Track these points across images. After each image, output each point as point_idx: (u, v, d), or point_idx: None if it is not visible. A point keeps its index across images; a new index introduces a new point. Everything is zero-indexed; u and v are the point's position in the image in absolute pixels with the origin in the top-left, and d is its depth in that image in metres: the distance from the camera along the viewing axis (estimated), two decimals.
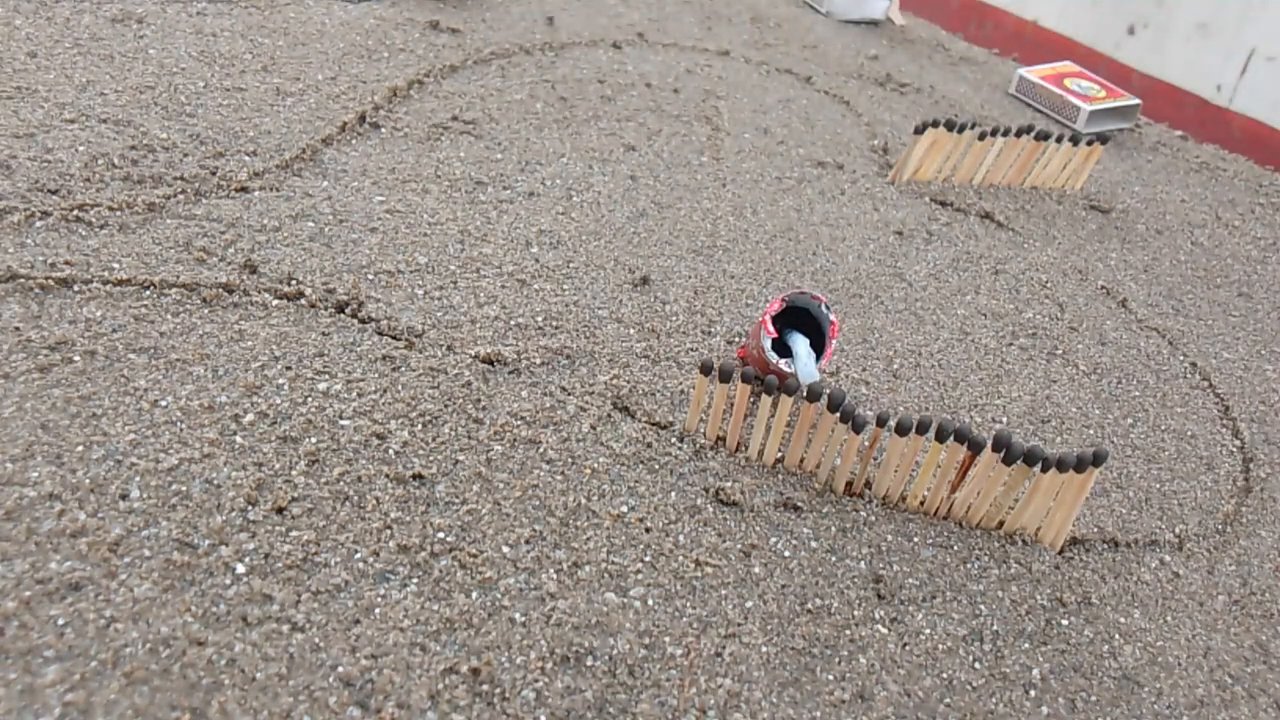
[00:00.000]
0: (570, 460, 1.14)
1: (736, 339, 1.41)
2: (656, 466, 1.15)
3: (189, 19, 1.93)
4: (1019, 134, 1.97)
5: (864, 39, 2.80)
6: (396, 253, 1.42)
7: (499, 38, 2.17)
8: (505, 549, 1.01)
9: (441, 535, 1.01)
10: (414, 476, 1.07)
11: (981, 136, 1.95)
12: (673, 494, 1.12)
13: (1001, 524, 1.17)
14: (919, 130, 1.90)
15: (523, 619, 0.94)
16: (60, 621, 0.85)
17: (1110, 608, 1.13)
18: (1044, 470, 1.09)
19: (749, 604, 1.01)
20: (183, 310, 1.23)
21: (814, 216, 1.78)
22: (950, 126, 1.89)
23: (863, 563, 1.09)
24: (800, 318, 1.29)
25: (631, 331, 1.37)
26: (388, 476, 1.06)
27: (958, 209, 1.93)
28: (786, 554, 1.08)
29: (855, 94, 2.36)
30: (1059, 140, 2.01)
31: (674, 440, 1.20)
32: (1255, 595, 1.20)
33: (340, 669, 0.86)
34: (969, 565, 1.12)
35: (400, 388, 1.18)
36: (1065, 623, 1.09)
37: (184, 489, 0.99)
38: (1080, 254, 1.88)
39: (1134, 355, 1.61)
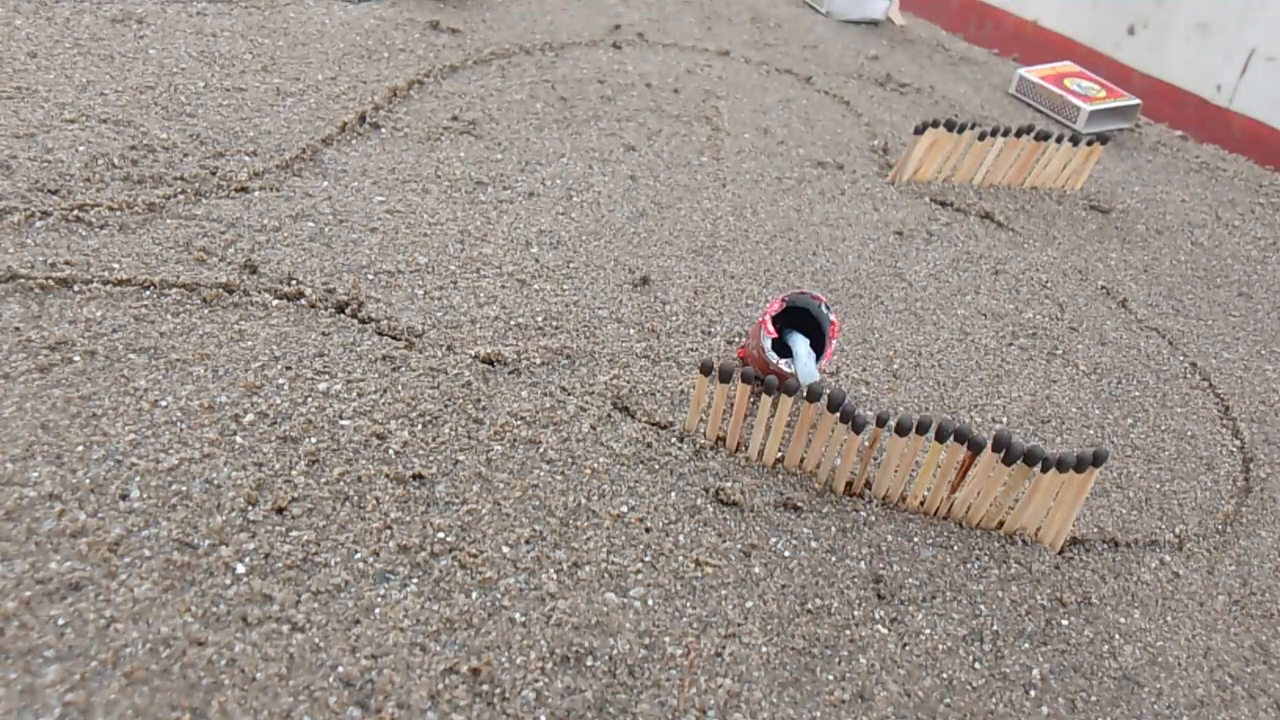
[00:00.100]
0: (570, 460, 1.14)
1: (736, 339, 1.41)
2: (656, 466, 1.15)
3: (189, 19, 1.93)
4: (1019, 134, 1.97)
5: (864, 39, 2.80)
6: (396, 253, 1.42)
7: (499, 38, 2.17)
8: (505, 549, 1.01)
9: (441, 535, 1.01)
10: (414, 476, 1.07)
11: (981, 136, 1.95)
12: (673, 494, 1.12)
13: (1001, 524, 1.17)
14: (919, 130, 1.90)
15: (523, 619, 0.94)
16: (60, 621, 0.85)
17: (1110, 608, 1.13)
18: (1044, 470, 1.09)
19: (749, 604, 1.01)
20: (183, 310, 1.23)
21: (814, 216, 1.78)
22: (950, 126, 1.89)
23: (863, 563, 1.09)
24: (800, 318, 1.29)
25: (631, 331, 1.37)
26: (388, 476, 1.06)
27: (958, 209, 1.93)
28: (786, 554, 1.08)
29: (855, 94, 2.36)
30: (1059, 140, 2.01)
31: (674, 440, 1.20)
32: (1255, 595, 1.20)
33: (340, 669, 0.86)
34: (969, 565, 1.12)
35: (400, 388, 1.18)
36: (1065, 623, 1.09)
37: (184, 489, 0.99)
38: (1080, 254, 1.88)
39: (1134, 355, 1.61)
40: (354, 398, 1.15)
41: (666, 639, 0.96)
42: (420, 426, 1.13)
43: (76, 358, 1.11)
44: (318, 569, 0.95)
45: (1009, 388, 1.45)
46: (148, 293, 1.24)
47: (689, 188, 1.78)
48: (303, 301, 1.28)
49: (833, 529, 1.13)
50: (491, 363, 1.25)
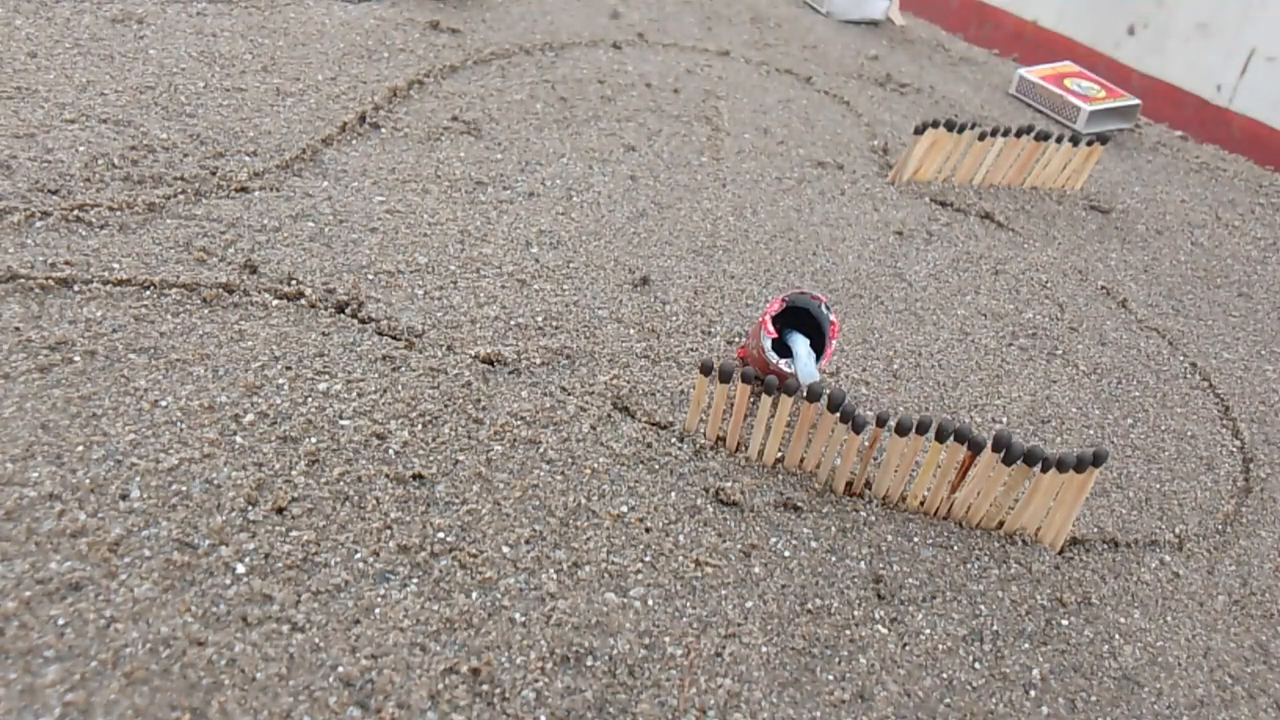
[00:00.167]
0: (570, 460, 1.14)
1: (736, 339, 1.41)
2: (656, 466, 1.15)
3: (189, 19, 1.93)
4: (1019, 134, 1.97)
5: (864, 39, 2.80)
6: (396, 253, 1.42)
7: (499, 38, 2.17)
8: (505, 549, 1.01)
9: (441, 535, 1.01)
10: (414, 476, 1.07)
11: (981, 137, 1.95)
12: (673, 494, 1.12)
13: (1001, 524, 1.17)
14: (919, 130, 1.90)
15: (523, 619, 0.94)
16: (60, 621, 0.85)
17: (1110, 608, 1.13)
18: (1044, 470, 1.09)
19: (749, 604, 1.01)
20: (183, 310, 1.23)
21: (814, 216, 1.78)
22: (950, 126, 1.89)
23: (863, 563, 1.09)
24: (800, 318, 1.29)
25: (631, 331, 1.37)
26: (388, 476, 1.06)
27: (958, 209, 1.93)
28: (786, 554, 1.08)
29: (855, 94, 2.36)
30: (1059, 140, 2.01)
31: (674, 440, 1.20)
32: (1255, 595, 1.20)
33: (340, 669, 0.86)
34: (969, 565, 1.12)
35: (400, 388, 1.18)
36: (1065, 623, 1.09)
37: (184, 489, 0.99)
38: (1080, 254, 1.88)
39: (1134, 355, 1.61)
40: (354, 398, 1.15)
41: (666, 639, 0.96)
42: (420, 426, 1.13)
43: (76, 358, 1.11)
44: (318, 569, 0.95)
45: (1009, 388, 1.45)
46: (148, 293, 1.24)
47: (689, 188, 1.78)
48: (303, 301, 1.28)
49: (833, 529, 1.13)
50: (491, 363, 1.25)
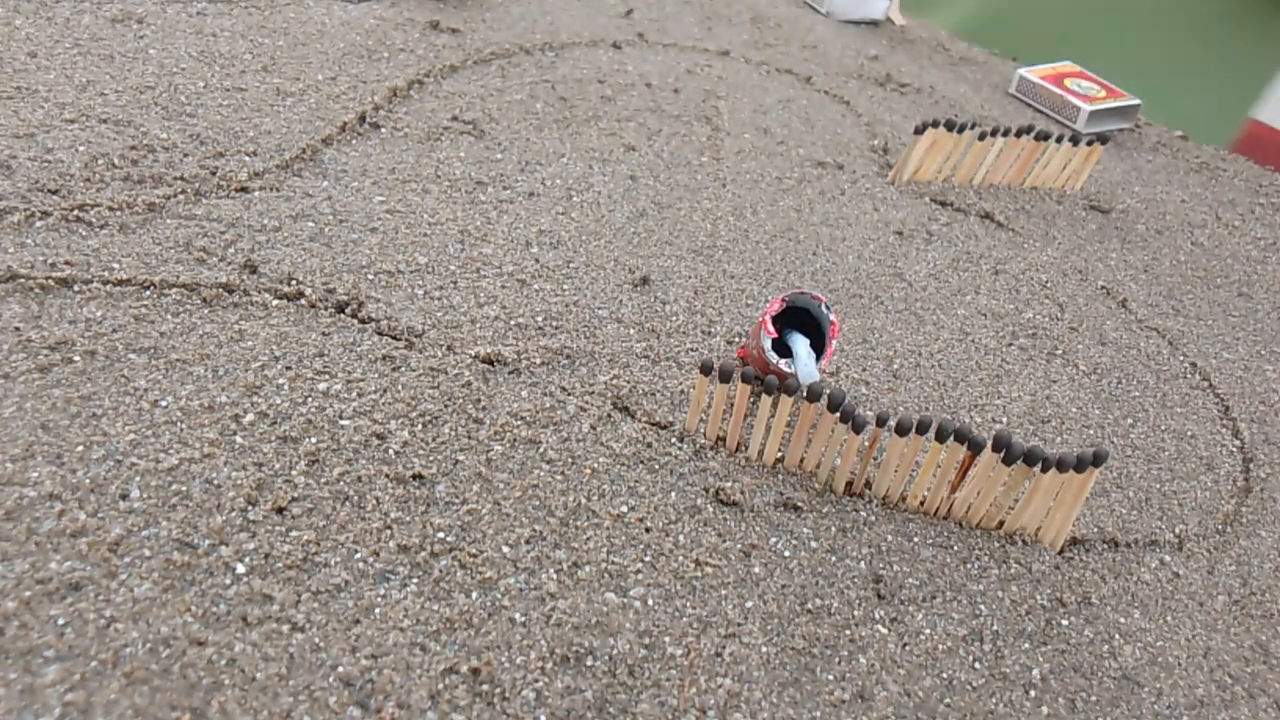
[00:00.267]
0: (570, 460, 1.14)
1: (736, 339, 1.41)
2: (656, 466, 1.15)
3: (189, 19, 1.93)
4: (1019, 134, 1.97)
5: (864, 39, 2.80)
6: (396, 253, 1.42)
7: (499, 38, 2.17)
8: (505, 549, 1.01)
9: (441, 535, 1.01)
10: (414, 476, 1.07)
11: (981, 136, 1.95)
12: (673, 494, 1.12)
13: (1001, 524, 1.17)
14: (919, 130, 1.90)
15: (523, 619, 0.94)
16: (60, 621, 0.85)
17: (1110, 608, 1.13)
18: (1044, 470, 1.09)
19: (749, 604, 1.01)
20: (183, 310, 1.23)
21: (814, 216, 1.78)
22: (950, 126, 1.89)
23: (863, 563, 1.09)
24: (800, 318, 1.29)
25: (631, 331, 1.37)
26: (388, 476, 1.06)
27: (958, 209, 1.93)
28: (786, 554, 1.08)
29: (855, 94, 2.36)
30: (1059, 140, 2.01)
31: (674, 440, 1.20)
32: (1255, 595, 1.20)
33: (340, 669, 0.86)
34: (969, 565, 1.12)
35: (400, 388, 1.18)
36: (1065, 623, 1.09)
37: (184, 489, 0.99)
38: (1080, 254, 1.88)
39: (1134, 355, 1.61)
40: (354, 398, 1.15)
41: (666, 639, 0.96)
42: (420, 426, 1.13)
43: (76, 358, 1.11)
44: (318, 569, 0.95)
45: (1009, 388, 1.45)
46: (148, 293, 1.24)
47: (689, 188, 1.78)
48: (303, 301, 1.28)
49: (833, 529, 1.13)
50: (491, 363, 1.25)
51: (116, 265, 1.26)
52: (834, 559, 1.09)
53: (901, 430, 1.10)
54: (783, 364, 1.21)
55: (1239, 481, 1.39)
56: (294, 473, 1.04)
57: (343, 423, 1.11)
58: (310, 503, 1.01)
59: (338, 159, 1.61)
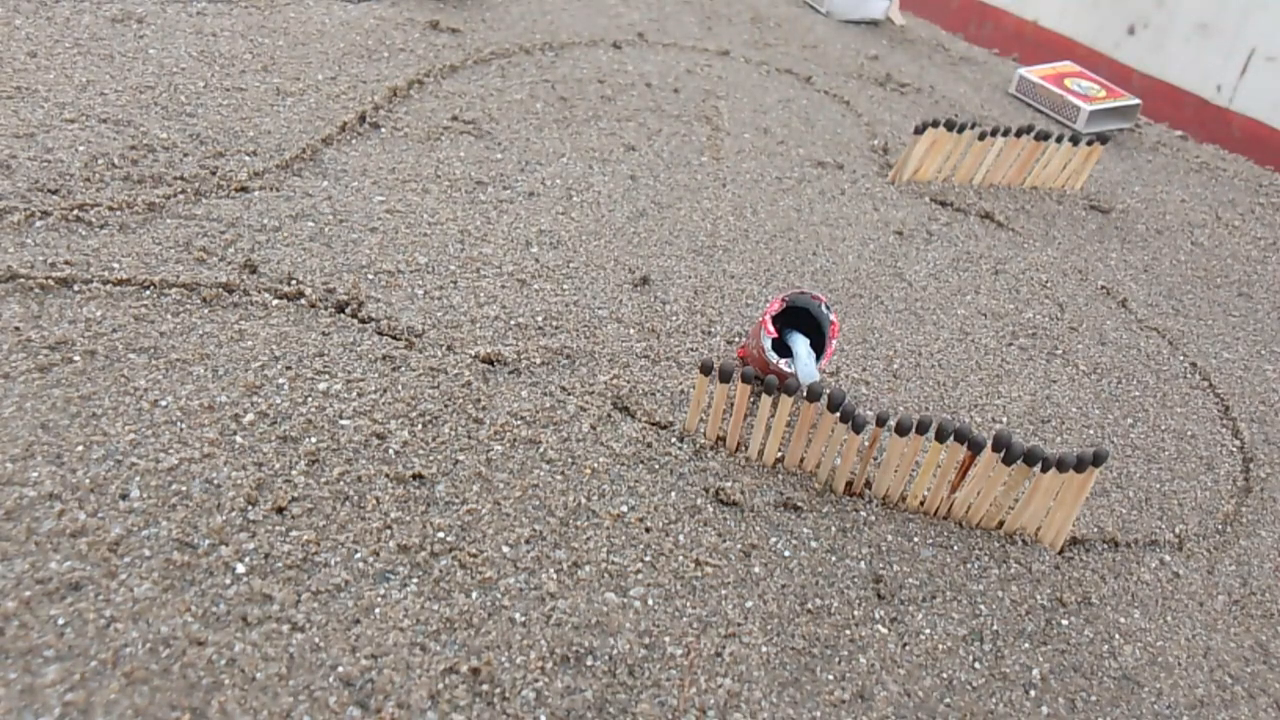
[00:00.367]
0: (570, 460, 1.14)
1: (736, 339, 1.41)
2: (656, 466, 1.15)
3: (189, 19, 1.93)
4: (1019, 134, 1.97)
5: (864, 39, 2.80)
6: (396, 253, 1.42)
7: (499, 38, 2.17)
8: (505, 549, 1.01)
9: (441, 535, 1.01)
10: (414, 476, 1.07)
11: (981, 136, 1.95)
12: (673, 494, 1.12)
13: (1001, 524, 1.17)
14: (919, 130, 1.90)
15: (523, 619, 0.94)
16: (60, 621, 0.85)
17: (1110, 608, 1.13)
18: (1044, 470, 1.09)
19: (749, 604, 1.01)
20: (183, 310, 1.23)
21: (814, 216, 1.78)
22: (950, 126, 1.89)
23: (863, 563, 1.09)
24: (800, 318, 1.29)
25: (631, 331, 1.37)
26: (388, 476, 1.06)
27: (958, 209, 1.93)
28: (786, 554, 1.08)
29: (855, 94, 2.36)
30: (1059, 140, 2.01)
31: (674, 440, 1.20)
32: (1255, 595, 1.20)
33: (340, 669, 0.86)
34: (969, 565, 1.12)
35: (400, 388, 1.18)
36: (1065, 623, 1.09)
37: (184, 489, 0.99)
38: (1080, 254, 1.88)
39: (1134, 355, 1.61)
40: (354, 398, 1.15)
41: (666, 639, 0.96)
42: (420, 426, 1.13)
43: (76, 358, 1.11)
44: (318, 569, 0.95)
45: (1009, 388, 1.45)
46: (148, 293, 1.24)
47: (689, 188, 1.78)
48: (303, 301, 1.28)
49: (833, 529, 1.13)
50: (491, 363, 1.25)
51: (116, 265, 1.26)
52: (834, 559, 1.09)
53: (901, 430, 1.10)
54: (783, 364, 1.21)
55: (1239, 481, 1.39)
56: (294, 473, 1.04)
57: (343, 422, 1.11)
58: (310, 503, 1.01)
59: (338, 159, 1.61)
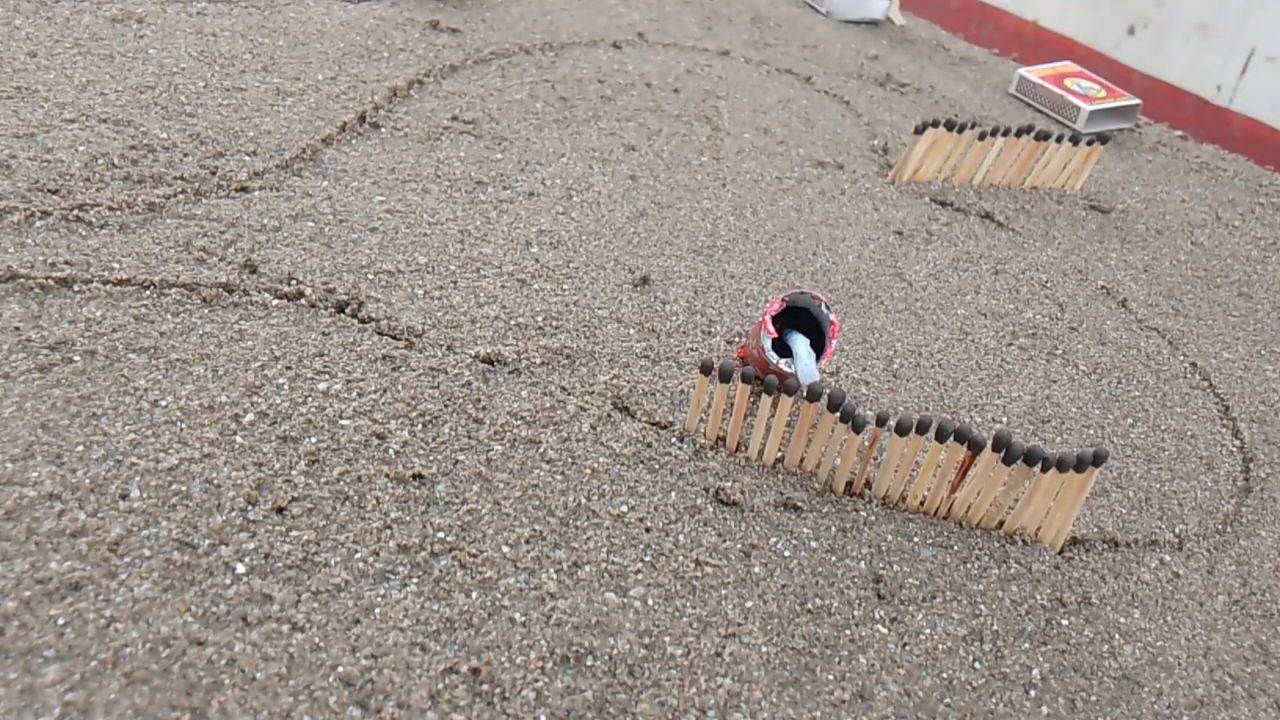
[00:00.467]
0: (570, 460, 1.14)
1: (736, 339, 1.41)
2: (656, 466, 1.15)
3: (189, 19, 1.93)
4: (1019, 134, 1.97)
5: (864, 39, 2.80)
6: (396, 253, 1.42)
7: (499, 38, 2.17)
8: (505, 549, 1.01)
9: (441, 535, 1.01)
10: (414, 476, 1.07)
11: (981, 136, 1.95)
12: (673, 494, 1.12)
13: (1001, 524, 1.17)
14: (919, 130, 1.90)
15: (523, 619, 0.94)
16: (60, 621, 0.85)
17: (1110, 608, 1.13)
18: (1044, 470, 1.09)
19: (749, 604, 1.01)
20: (183, 310, 1.23)
21: (814, 216, 1.78)
22: (950, 126, 1.89)
23: (863, 563, 1.09)
24: (800, 318, 1.29)
25: (631, 331, 1.37)
26: (388, 476, 1.06)
27: (958, 209, 1.93)
28: (786, 554, 1.08)
29: (855, 94, 2.36)
30: (1059, 140, 2.01)
31: (674, 440, 1.20)
32: (1255, 595, 1.20)
33: (340, 669, 0.86)
34: (969, 565, 1.12)
35: (400, 388, 1.18)
36: (1065, 623, 1.09)
37: (184, 489, 0.99)
38: (1080, 254, 1.88)
39: (1134, 355, 1.61)
40: (354, 398, 1.15)
41: (666, 639, 0.96)
42: (420, 426, 1.13)
43: (76, 358, 1.11)
44: (318, 569, 0.95)
45: (1009, 388, 1.45)
46: (148, 292, 1.24)
47: (689, 188, 1.78)
48: (303, 301, 1.28)
49: (833, 529, 1.13)
50: (491, 363, 1.25)
51: (116, 265, 1.26)
52: (834, 559, 1.09)
53: (901, 430, 1.10)
54: (783, 364, 1.21)
55: (1239, 481, 1.39)
56: (294, 473, 1.04)
57: (343, 422, 1.11)
58: (310, 503, 1.01)
59: (338, 159, 1.61)
